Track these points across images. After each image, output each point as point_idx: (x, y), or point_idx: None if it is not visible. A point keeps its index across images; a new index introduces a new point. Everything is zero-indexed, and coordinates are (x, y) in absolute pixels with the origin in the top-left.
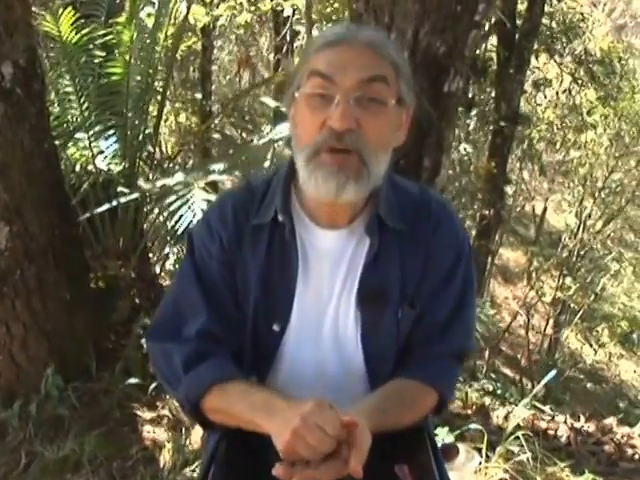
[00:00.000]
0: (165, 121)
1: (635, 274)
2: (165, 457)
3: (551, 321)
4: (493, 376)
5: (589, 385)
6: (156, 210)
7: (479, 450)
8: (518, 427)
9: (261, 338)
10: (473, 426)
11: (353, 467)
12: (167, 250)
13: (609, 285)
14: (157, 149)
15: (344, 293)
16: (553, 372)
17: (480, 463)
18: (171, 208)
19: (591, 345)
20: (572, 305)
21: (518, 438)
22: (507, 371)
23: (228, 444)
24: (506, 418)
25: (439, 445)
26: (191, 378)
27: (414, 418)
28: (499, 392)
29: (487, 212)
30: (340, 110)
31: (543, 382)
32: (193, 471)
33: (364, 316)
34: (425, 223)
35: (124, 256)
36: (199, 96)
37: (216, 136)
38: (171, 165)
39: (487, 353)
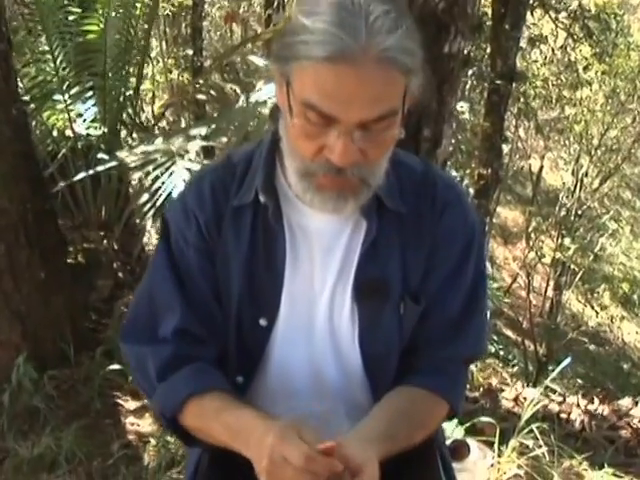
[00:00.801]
0: (155, 79)
1: (633, 233)
2: (149, 454)
3: (552, 283)
4: (495, 338)
5: (592, 347)
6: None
7: (490, 444)
8: (532, 418)
9: (246, 335)
10: (483, 419)
11: None
12: (149, 225)
13: (608, 245)
14: (141, 111)
15: (339, 284)
16: (568, 359)
17: (492, 457)
18: (149, 178)
19: (592, 307)
20: (572, 266)
21: (532, 431)
22: (509, 333)
23: (211, 459)
24: (516, 400)
25: (448, 443)
26: (165, 390)
27: (425, 435)
28: (502, 354)
29: (484, 171)
30: (342, 146)
31: (558, 369)
32: (180, 472)
33: (361, 311)
34: (430, 206)
35: (107, 227)
36: (190, 52)
37: (201, 96)
38: (160, 127)
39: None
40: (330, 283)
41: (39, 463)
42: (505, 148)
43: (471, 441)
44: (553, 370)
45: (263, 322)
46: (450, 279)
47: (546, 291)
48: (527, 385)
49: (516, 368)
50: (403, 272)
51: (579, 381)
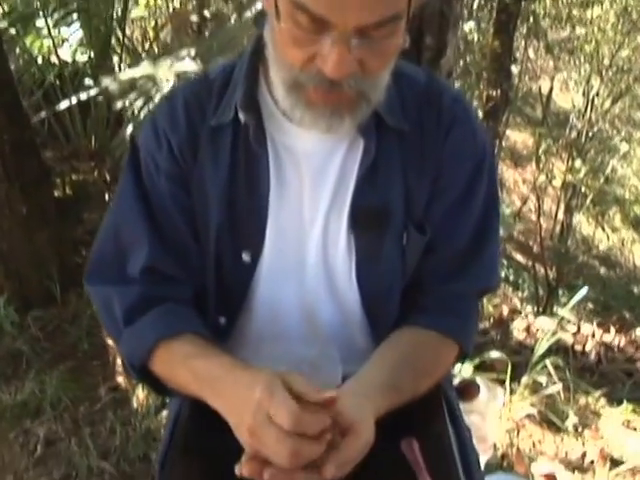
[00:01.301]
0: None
1: None
2: (139, 398)
3: (562, 206)
4: (505, 262)
5: (602, 271)
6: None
7: (501, 382)
8: (545, 352)
9: (228, 272)
10: (494, 353)
11: (325, 472)
12: None
13: (619, 167)
14: (135, 38)
15: (332, 213)
16: (585, 289)
17: (503, 396)
18: (136, 105)
19: (603, 230)
20: (583, 189)
21: (545, 366)
22: (519, 257)
23: (192, 409)
24: (528, 331)
25: (455, 383)
26: (132, 335)
27: (432, 384)
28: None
29: (493, 93)
30: (336, 55)
31: (574, 300)
32: None
33: (359, 243)
34: (435, 122)
35: (97, 157)
36: None
37: (196, 18)
38: (154, 51)
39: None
40: (322, 211)
41: (23, 410)
42: (514, 69)
43: (480, 380)
44: (563, 294)
45: (246, 257)
46: (459, 204)
47: (556, 214)
48: (538, 310)
49: (526, 293)
50: (405, 198)
51: (590, 305)
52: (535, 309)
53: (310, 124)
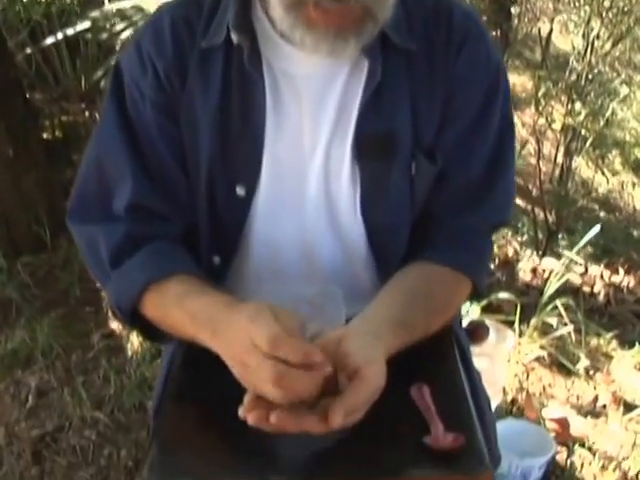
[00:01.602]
0: None
1: None
2: (133, 345)
3: (561, 149)
4: None
5: (602, 214)
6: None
7: (510, 323)
8: (553, 293)
9: (221, 207)
10: (501, 294)
11: (330, 419)
12: None
13: (619, 110)
14: None
15: (334, 141)
16: (597, 227)
17: (513, 339)
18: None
19: (603, 173)
20: (582, 132)
21: (555, 307)
22: (518, 201)
23: (185, 356)
24: (534, 272)
25: (464, 324)
26: (120, 278)
27: (444, 322)
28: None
29: (493, 34)
30: None
31: (586, 238)
32: None
33: (364, 173)
34: (445, 39)
35: (88, 98)
36: None
37: None
38: None
39: None
40: (323, 140)
41: (13, 359)
42: (514, 10)
43: (489, 321)
44: (563, 238)
45: (241, 191)
46: (472, 130)
47: (556, 157)
48: (538, 254)
49: (525, 237)
50: (414, 124)
51: (589, 249)
52: (535, 253)
53: (311, 47)
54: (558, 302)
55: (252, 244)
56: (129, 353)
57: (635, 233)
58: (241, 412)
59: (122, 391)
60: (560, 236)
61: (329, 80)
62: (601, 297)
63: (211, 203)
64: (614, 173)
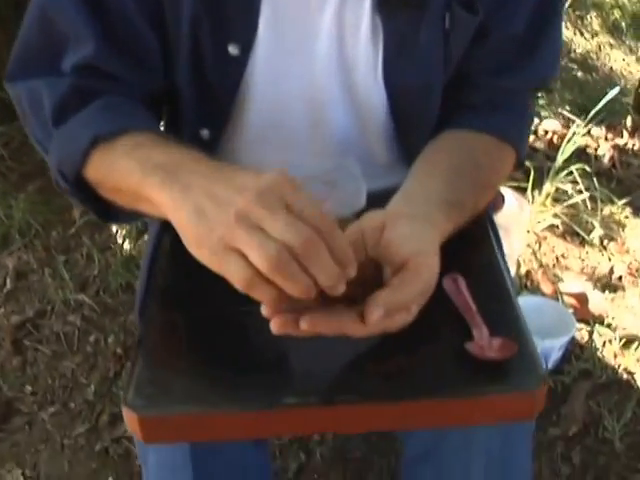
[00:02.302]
0: None
1: None
2: None
3: None
4: None
5: (579, 74)
6: None
7: (522, 190)
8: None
9: (210, 70)
10: None
11: (366, 317)
12: None
13: None
14: None
15: None
16: (616, 90)
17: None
18: None
19: (582, 34)
20: None
21: (570, 173)
22: None
23: (175, 244)
24: (535, 134)
25: None
26: (63, 136)
27: (491, 198)
28: None
29: None
30: None
31: (606, 99)
32: None
33: (388, 27)
34: None
35: None
36: None
37: None
38: None
39: None
40: None
41: None
42: None
43: (505, 190)
44: (542, 97)
45: (234, 50)
46: None
47: None
48: None
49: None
50: None
51: (567, 107)
52: None
53: None
54: (573, 168)
55: (249, 111)
56: (114, 229)
57: (611, 91)
58: (264, 310)
59: (107, 271)
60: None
61: None
62: (606, 160)
63: (196, 65)
64: (593, 34)
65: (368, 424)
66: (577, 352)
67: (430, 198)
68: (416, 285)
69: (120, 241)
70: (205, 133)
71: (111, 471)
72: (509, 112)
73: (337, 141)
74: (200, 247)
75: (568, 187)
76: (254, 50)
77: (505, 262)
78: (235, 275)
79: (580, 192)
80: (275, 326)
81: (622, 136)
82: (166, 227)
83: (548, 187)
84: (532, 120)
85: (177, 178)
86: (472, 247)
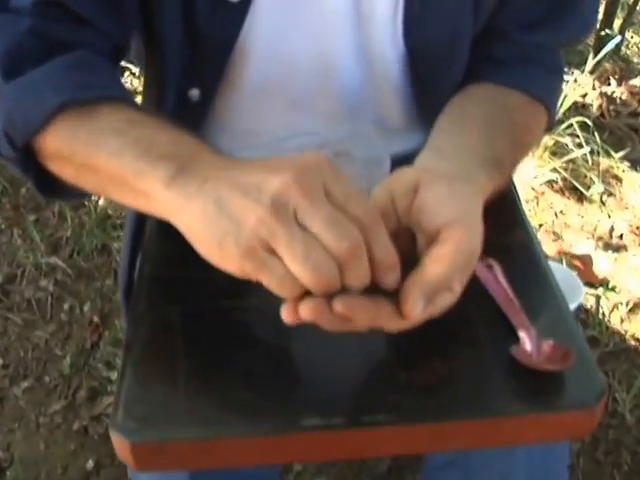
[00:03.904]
0: None
1: None
2: None
3: None
4: None
5: None
6: None
7: None
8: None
9: (202, 21)
10: None
11: (405, 308)
12: None
13: None
14: None
15: None
16: (618, 38)
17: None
18: None
19: None
20: None
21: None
22: None
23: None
24: None
25: None
26: (19, 93)
27: (524, 159)
28: None
29: None
30: None
31: (606, 49)
32: None
33: None
34: None
35: None
36: None
37: None
38: None
39: None
40: None
41: None
42: None
43: None
44: None
45: None
46: None
47: None
48: None
49: None
50: None
51: None
52: None
53: None
54: (574, 120)
55: (248, 67)
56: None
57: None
58: (285, 312)
59: (81, 231)
60: None
61: None
62: (594, 109)
63: (187, 15)
64: None
65: (401, 447)
66: (582, 318)
67: (467, 154)
68: (457, 259)
69: (95, 199)
70: (194, 93)
71: (91, 452)
72: (542, 70)
73: (348, 102)
74: (222, 249)
75: (567, 140)
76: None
77: (540, 245)
78: (278, 285)
79: (580, 146)
80: (305, 311)
81: (609, 84)
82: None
83: (547, 140)
84: (562, 80)
85: (191, 171)
86: (504, 221)
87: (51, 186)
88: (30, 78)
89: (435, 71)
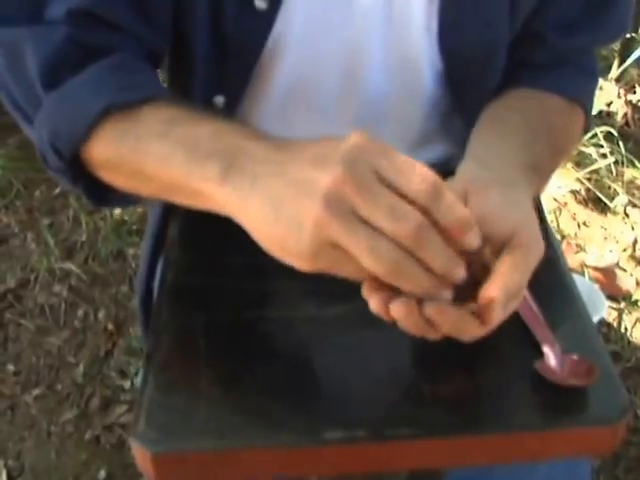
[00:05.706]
0: None
1: None
2: None
3: None
4: None
5: None
6: None
7: None
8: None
9: (231, 26)
10: None
11: (493, 315)
12: None
13: None
14: None
15: None
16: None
17: None
18: None
19: None
20: None
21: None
22: None
23: (185, 232)
24: None
25: None
26: (61, 103)
27: (562, 163)
28: None
29: None
30: None
31: (630, 60)
32: None
33: None
34: None
35: None
36: None
37: None
38: None
39: None
40: None
41: None
42: None
43: None
44: None
45: (261, 3)
46: None
47: None
48: None
49: None
50: None
51: None
52: None
53: None
54: (597, 130)
55: (274, 74)
56: None
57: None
58: (374, 305)
59: (96, 236)
60: None
61: None
62: (619, 118)
63: (216, 21)
64: None
65: (424, 461)
66: (604, 332)
67: (509, 161)
68: (530, 265)
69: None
70: (219, 100)
71: (103, 462)
72: (579, 72)
73: (372, 109)
74: (285, 250)
75: (592, 150)
76: (284, 4)
77: (565, 259)
78: (356, 278)
79: (604, 156)
80: (395, 309)
81: (635, 92)
82: (171, 209)
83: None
84: (598, 81)
85: (240, 168)
86: None
87: (103, 194)
88: (70, 86)
89: (471, 77)
